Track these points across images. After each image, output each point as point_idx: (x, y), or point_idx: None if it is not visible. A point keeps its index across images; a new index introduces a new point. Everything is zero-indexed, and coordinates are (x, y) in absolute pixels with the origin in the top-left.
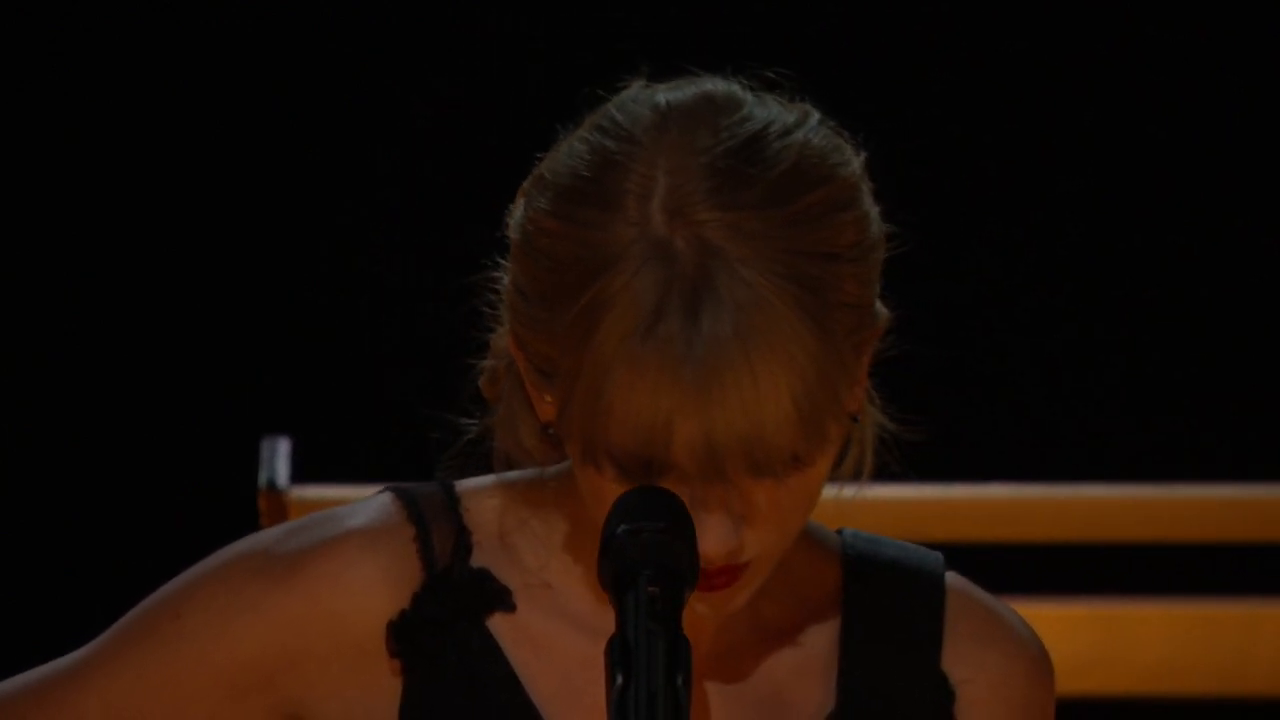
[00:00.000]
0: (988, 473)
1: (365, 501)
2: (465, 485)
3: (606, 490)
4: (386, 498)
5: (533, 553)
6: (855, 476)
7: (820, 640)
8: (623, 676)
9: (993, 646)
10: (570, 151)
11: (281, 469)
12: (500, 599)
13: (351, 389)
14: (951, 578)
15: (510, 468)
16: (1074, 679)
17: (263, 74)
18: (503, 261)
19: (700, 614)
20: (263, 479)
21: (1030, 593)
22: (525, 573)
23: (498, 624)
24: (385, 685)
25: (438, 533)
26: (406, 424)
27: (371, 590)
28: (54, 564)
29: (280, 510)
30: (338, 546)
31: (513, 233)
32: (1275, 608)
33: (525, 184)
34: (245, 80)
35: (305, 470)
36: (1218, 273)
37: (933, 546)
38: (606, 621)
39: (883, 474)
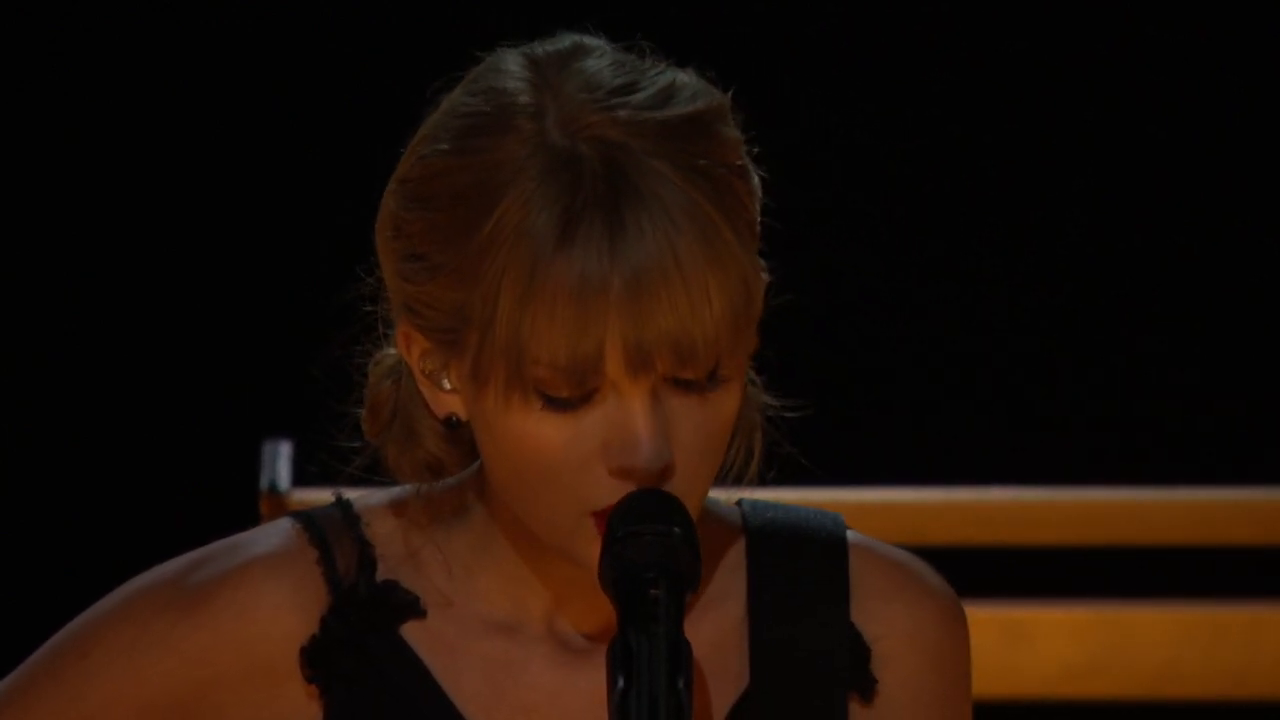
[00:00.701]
0: (990, 476)
1: (266, 528)
2: (363, 502)
3: (529, 432)
4: (287, 523)
5: (437, 560)
6: (747, 459)
7: (731, 612)
8: (624, 679)
9: (900, 598)
10: (453, 105)
11: (283, 472)
12: (410, 608)
13: (354, 392)
14: (853, 535)
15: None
16: (1078, 682)
17: (263, 74)
18: (372, 264)
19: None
20: (264, 482)
21: (1034, 596)
22: (432, 580)
23: (411, 633)
24: (303, 708)
25: (340, 552)
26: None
27: (279, 616)
28: (55, 566)
29: (282, 513)
30: (243, 575)
31: (394, 204)
32: (1278, 611)
33: (400, 165)
34: (245, 80)
35: (307, 473)
36: (1221, 274)
37: (936, 550)
38: (520, 620)
39: (885, 477)
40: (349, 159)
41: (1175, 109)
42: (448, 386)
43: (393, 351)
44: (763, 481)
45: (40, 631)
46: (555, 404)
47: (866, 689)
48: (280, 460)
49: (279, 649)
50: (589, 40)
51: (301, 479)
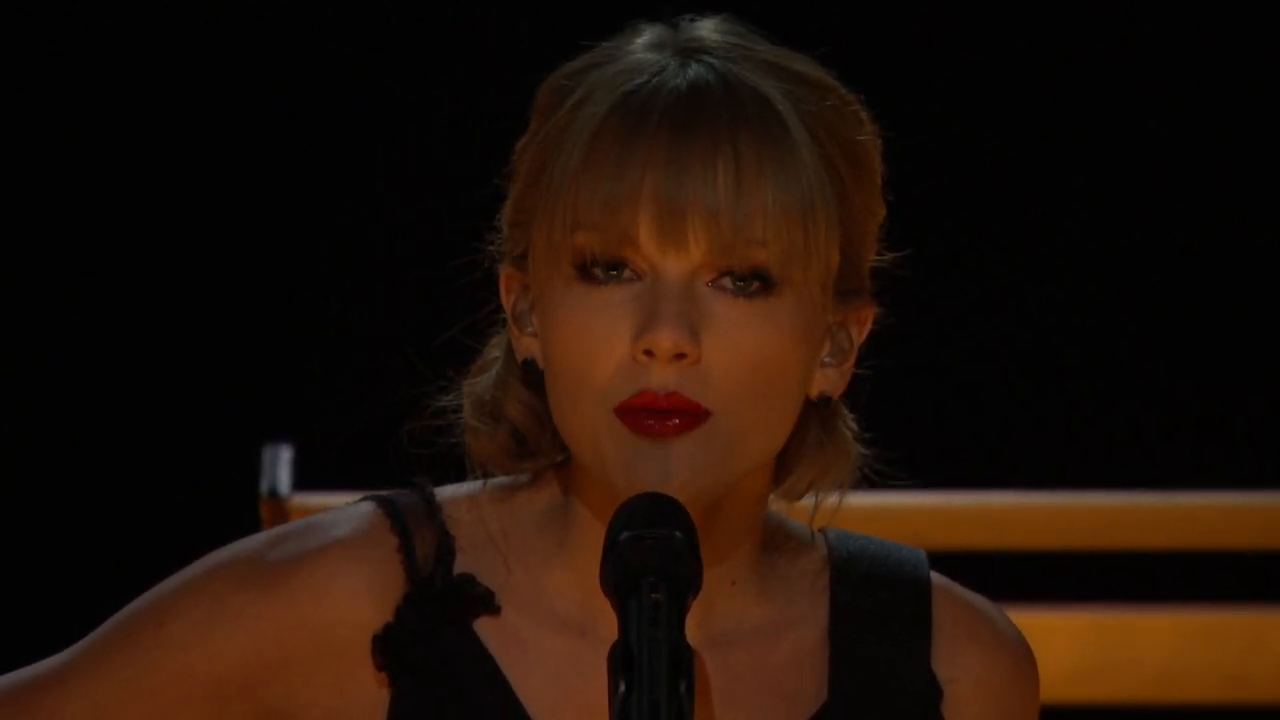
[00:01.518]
0: (990, 480)
1: (348, 510)
2: (444, 493)
3: (567, 318)
4: (369, 507)
5: (514, 555)
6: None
7: (810, 634)
8: (625, 684)
9: (976, 644)
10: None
11: (283, 476)
12: (484, 603)
13: (354, 395)
14: (936, 576)
15: (483, 472)
16: (1079, 686)
17: (263, 75)
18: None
19: (647, 471)
20: (264, 486)
21: (1034, 600)
22: (508, 575)
23: (483, 627)
24: (371, 695)
25: (421, 542)
26: (409, 430)
27: (355, 602)
28: (55, 570)
29: (282, 517)
30: (322, 558)
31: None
32: (1279, 615)
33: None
34: (245, 81)
35: (307, 477)
36: (1221, 279)
37: (937, 555)
38: (592, 620)
39: (886, 482)
40: (349, 161)
41: (1176, 112)
42: (530, 328)
43: (503, 336)
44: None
45: (42, 637)
46: (589, 276)
47: None
48: (280, 464)
49: (352, 634)
50: None
51: (302, 482)
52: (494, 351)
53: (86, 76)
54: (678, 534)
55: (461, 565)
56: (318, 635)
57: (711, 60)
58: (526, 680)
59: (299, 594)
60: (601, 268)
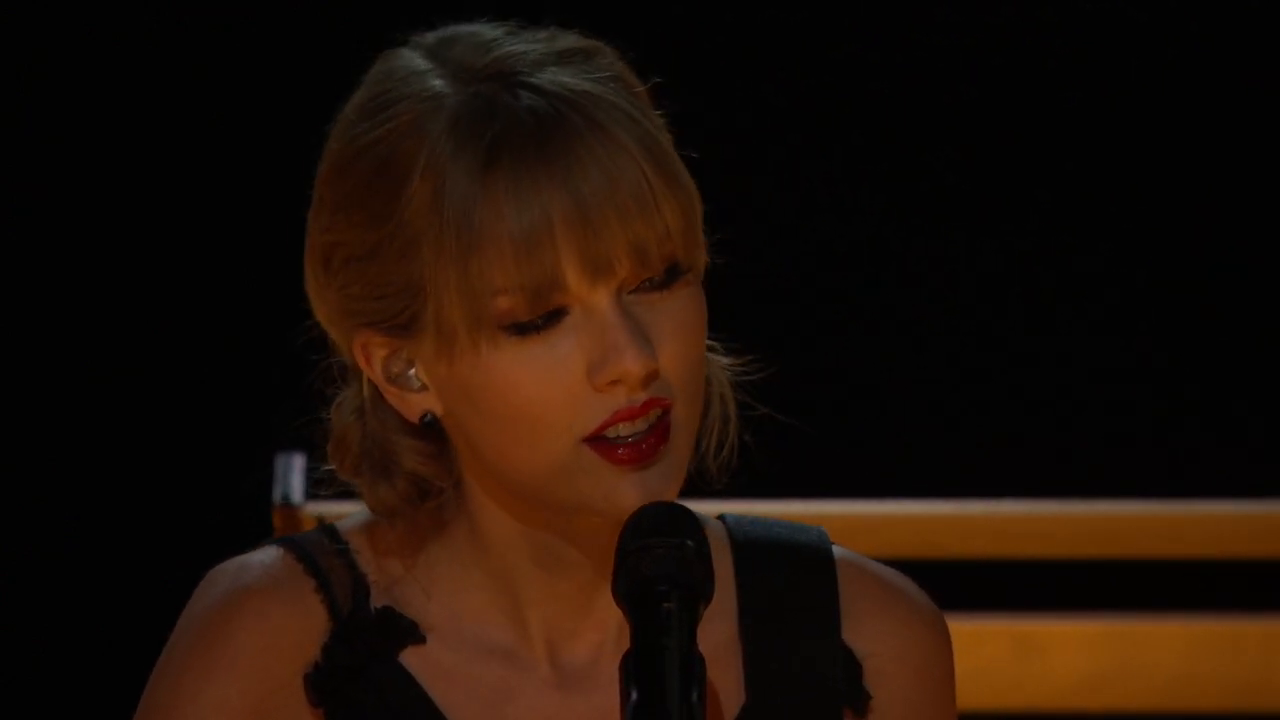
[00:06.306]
0: (1003, 489)
1: (259, 558)
2: (345, 525)
3: (507, 374)
4: (278, 552)
5: (427, 584)
6: (724, 424)
7: (721, 630)
8: (638, 692)
9: (890, 615)
10: (351, 105)
11: (296, 484)
12: (408, 634)
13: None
14: (839, 551)
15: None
16: (1091, 695)
17: (278, 85)
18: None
19: (627, 501)
20: (277, 495)
21: (1046, 609)
22: (425, 605)
23: (410, 659)
24: None
25: (336, 580)
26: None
27: (281, 643)
28: (67, 580)
29: (295, 526)
30: (242, 605)
31: (318, 228)
32: None
33: (315, 190)
34: (262, 92)
35: (320, 486)
36: (1238, 287)
37: (949, 563)
38: (519, 644)
39: (898, 490)
40: None
41: (1179, 118)
42: (417, 384)
43: (350, 392)
44: (777, 495)
45: (54, 645)
46: (523, 330)
47: (861, 704)
48: (293, 473)
49: (283, 674)
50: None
51: (315, 491)
52: (348, 417)
53: (87, 78)
54: (689, 542)
55: (378, 600)
56: (260, 679)
57: (531, 80)
58: (460, 708)
59: (237, 635)
60: (538, 318)
